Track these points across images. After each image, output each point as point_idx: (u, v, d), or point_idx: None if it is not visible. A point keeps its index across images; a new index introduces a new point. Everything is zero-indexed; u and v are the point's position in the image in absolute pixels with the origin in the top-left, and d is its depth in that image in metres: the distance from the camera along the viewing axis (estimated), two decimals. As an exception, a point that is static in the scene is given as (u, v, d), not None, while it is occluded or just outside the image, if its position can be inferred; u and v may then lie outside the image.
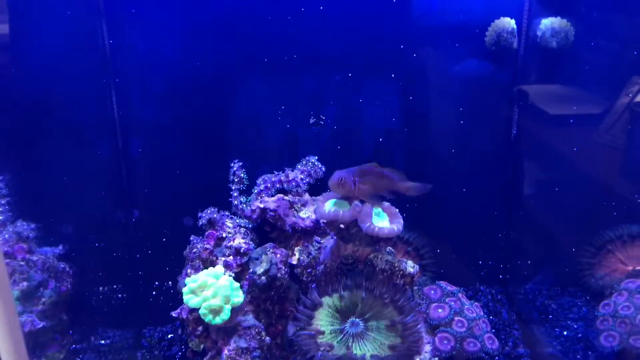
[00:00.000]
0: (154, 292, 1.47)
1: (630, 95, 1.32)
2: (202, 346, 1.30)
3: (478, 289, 1.52)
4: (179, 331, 1.43)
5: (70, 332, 1.33)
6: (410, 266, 1.23)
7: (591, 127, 1.35)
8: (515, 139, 1.45)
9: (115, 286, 1.43)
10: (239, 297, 1.14)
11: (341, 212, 1.16)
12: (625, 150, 1.36)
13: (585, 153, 1.38)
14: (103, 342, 1.39)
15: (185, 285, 1.16)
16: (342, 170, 1.17)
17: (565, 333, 1.32)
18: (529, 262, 1.48)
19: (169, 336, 1.43)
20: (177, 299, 1.40)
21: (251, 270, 1.22)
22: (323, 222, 1.35)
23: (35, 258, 1.26)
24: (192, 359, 1.33)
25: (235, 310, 1.17)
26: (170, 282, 1.47)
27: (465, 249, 1.51)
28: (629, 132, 1.33)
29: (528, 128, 1.43)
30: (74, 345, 1.34)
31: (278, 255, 1.25)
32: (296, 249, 1.34)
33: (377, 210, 1.19)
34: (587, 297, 1.42)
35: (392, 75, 1.36)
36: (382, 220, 1.18)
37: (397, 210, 1.21)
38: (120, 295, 1.43)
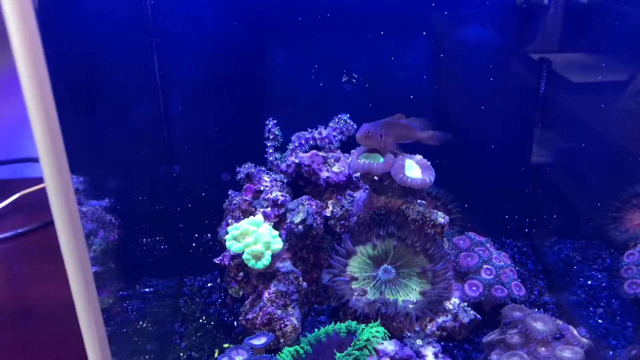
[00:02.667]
0: (193, 244, 1.55)
1: None
2: (241, 292, 1.37)
3: (504, 243, 1.57)
4: (218, 280, 1.51)
5: (118, 279, 1.41)
6: (441, 217, 1.29)
7: (615, 94, 1.37)
8: (543, 98, 1.48)
9: (157, 238, 1.50)
10: (278, 244, 1.21)
11: (375, 164, 1.22)
12: None
13: (609, 119, 1.40)
14: (147, 289, 1.47)
15: (227, 233, 1.23)
16: (369, 123, 1.22)
17: (589, 282, 1.37)
18: (555, 216, 1.52)
19: (209, 285, 1.51)
20: (216, 251, 1.48)
21: (288, 220, 1.29)
22: (356, 177, 1.41)
23: (84, 209, 1.34)
24: (232, 305, 1.41)
25: (274, 257, 1.24)
26: (209, 235, 1.54)
27: (492, 204, 1.56)
28: None
29: (553, 94, 1.46)
30: (121, 292, 1.42)
31: (313, 207, 1.31)
32: (329, 202, 1.40)
33: (410, 162, 1.25)
34: (611, 250, 1.46)
35: (424, 33, 1.40)
36: (415, 172, 1.23)
37: (429, 163, 1.26)
38: (162, 247, 1.51)
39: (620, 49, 1.37)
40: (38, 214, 2.09)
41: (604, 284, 1.37)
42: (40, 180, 2.24)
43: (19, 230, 1.86)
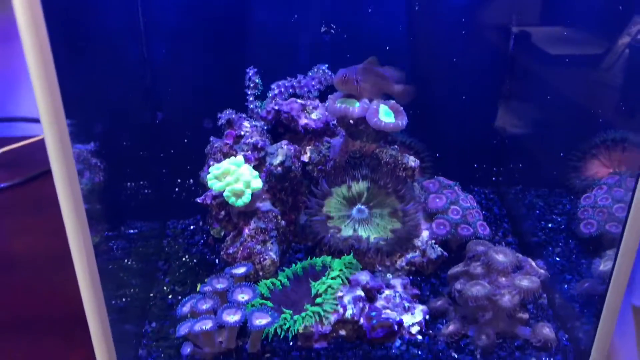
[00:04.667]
0: (176, 189, 1.61)
1: (631, 35, 1.41)
2: (222, 233, 1.44)
3: (472, 190, 1.65)
4: (200, 223, 1.58)
5: (104, 220, 1.47)
6: (412, 160, 1.36)
7: (591, 67, 1.44)
8: (513, 58, 1.55)
9: (141, 182, 1.55)
10: (258, 183, 1.28)
11: (351, 108, 1.29)
12: (621, 89, 1.46)
13: (582, 89, 1.47)
14: (132, 231, 1.53)
15: (209, 173, 1.29)
16: (345, 68, 1.29)
17: (550, 225, 1.46)
18: (520, 165, 1.61)
19: (191, 227, 1.58)
20: (198, 195, 1.54)
21: (268, 162, 1.36)
22: (333, 124, 1.47)
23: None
24: (213, 245, 1.48)
25: (254, 197, 1.31)
26: (191, 180, 1.60)
27: (461, 154, 1.64)
28: (627, 70, 1.42)
29: (528, 65, 1.52)
30: (106, 232, 1.48)
31: (292, 150, 1.38)
32: (307, 148, 1.47)
33: (384, 107, 1.31)
34: (571, 197, 1.56)
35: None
36: (389, 117, 1.30)
37: (402, 108, 1.33)
38: (146, 191, 1.56)
39: (598, 24, 1.44)
40: (20, 170, 2.15)
41: (563, 226, 1.47)
42: (20, 139, 2.30)
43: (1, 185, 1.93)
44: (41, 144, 2.43)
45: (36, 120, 2.35)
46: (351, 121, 1.30)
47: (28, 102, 2.26)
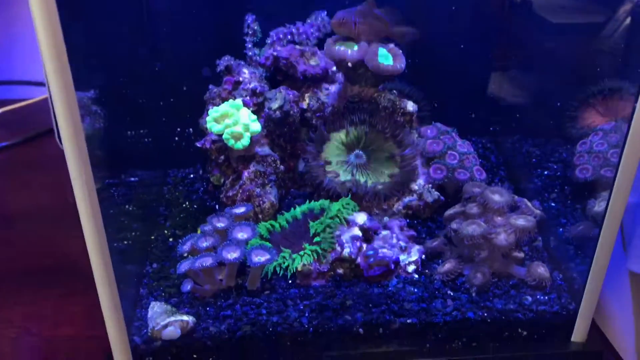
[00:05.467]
0: (176, 138, 1.62)
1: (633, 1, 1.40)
2: (222, 180, 1.46)
3: (470, 139, 1.66)
4: (200, 172, 1.59)
5: (104, 168, 1.48)
6: (411, 105, 1.37)
7: (593, 35, 1.44)
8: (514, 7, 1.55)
9: (142, 131, 1.56)
10: (257, 126, 1.29)
11: (349, 51, 1.29)
12: (622, 55, 1.46)
13: (583, 56, 1.47)
14: (133, 179, 1.54)
15: (208, 115, 1.30)
16: (343, 10, 1.29)
17: (545, 172, 1.48)
18: (518, 115, 1.62)
19: (191, 176, 1.59)
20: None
21: (266, 107, 1.36)
22: (332, 71, 1.47)
23: (72, 96, 1.39)
24: (213, 192, 1.50)
25: (253, 142, 1.32)
26: (191, 129, 1.60)
27: (459, 103, 1.65)
28: (629, 37, 1.42)
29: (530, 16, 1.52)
30: (107, 180, 1.49)
31: (290, 96, 1.39)
32: (306, 95, 1.47)
33: (383, 50, 1.31)
34: (568, 146, 1.57)
35: None
36: (387, 60, 1.30)
37: (401, 51, 1.33)
38: (146, 140, 1.57)
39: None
40: (19, 130, 2.18)
41: (559, 173, 1.48)
42: (17, 101, 2.33)
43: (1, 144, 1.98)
44: (41, 105, 2.46)
45: (35, 83, 2.38)
46: (349, 64, 1.31)
47: (27, 66, 2.28)
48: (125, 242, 1.29)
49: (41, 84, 2.18)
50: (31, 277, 1.50)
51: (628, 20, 1.35)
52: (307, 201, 1.35)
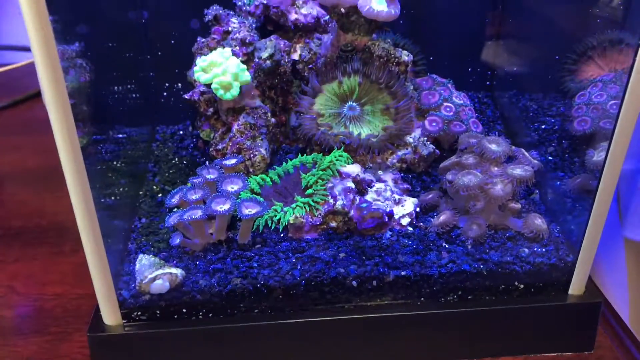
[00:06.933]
0: (165, 94, 1.57)
1: None
2: (212, 134, 1.42)
3: (466, 95, 1.63)
4: (190, 128, 1.55)
5: (91, 123, 1.44)
6: (405, 54, 1.33)
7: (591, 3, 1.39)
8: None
9: (129, 86, 1.52)
10: (246, 76, 1.25)
11: (342, -4, 1.24)
12: (621, 23, 1.41)
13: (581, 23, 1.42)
14: (120, 135, 1.50)
15: (196, 65, 1.26)
16: None
17: (543, 126, 1.45)
18: (515, 69, 1.58)
19: (181, 132, 1.55)
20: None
21: (256, 56, 1.32)
22: (324, 20, 1.43)
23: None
24: (203, 148, 1.46)
25: (243, 94, 1.28)
26: (179, 84, 1.56)
27: (456, 57, 1.61)
28: (627, 5, 1.37)
29: None
30: (95, 136, 1.45)
31: (282, 45, 1.34)
32: (298, 46, 1.42)
33: (376, -4, 1.27)
34: (566, 100, 1.53)
35: None
36: (381, 5, 1.26)
37: (395, -1, 1.29)
38: (134, 95, 1.53)
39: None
40: (7, 93, 2.16)
41: (557, 127, 1.45)
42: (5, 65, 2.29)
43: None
44: (28, 69, 2.40)
45: (22, 49, 2.33)
46: (342, 10, 1.26)
47: (17, 30, 2.24)
48: (113, 198, 1.25)
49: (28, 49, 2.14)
50: (19, 237, 1.48)
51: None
52: (300, 155, 1.32)
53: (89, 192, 0.96)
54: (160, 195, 1.33)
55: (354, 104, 1.34)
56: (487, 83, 1.64)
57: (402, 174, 1.31)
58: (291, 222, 1.15)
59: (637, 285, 1.21)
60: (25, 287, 1.32)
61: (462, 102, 1.37)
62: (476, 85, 1.64)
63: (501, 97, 1.60)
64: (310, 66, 1.39)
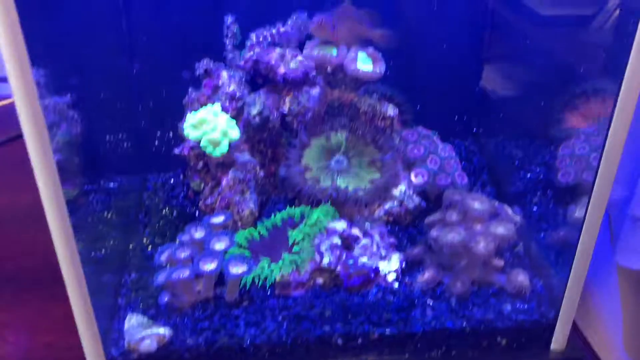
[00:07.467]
0: (156, 142, 1.59)
1: None
2: (202, 186, 1.44)
3: (453, 142, 1.64)
4: (181, 177, 1.57)
5: (82, 174, 1.46)
6: (391, 109, 1.36)
7: (581, 27, 1.42)
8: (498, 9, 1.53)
9: (120, 135, 1.54)
10: (235, 132, 1.27)
11: (328, 55, 1.27)
12: (610, 49, 1.44)
13: (572, 50, 1.45)
14: (111, 184, 1.52)
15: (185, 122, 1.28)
16: (321, 14, 1.26)
17: (528, 175, 1.47)
18: (501, 115, 1.61)
19: (172, 181, 1.57)
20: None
21: (246, 112, 1.34)
22: (312, 74, 1.45)
23: (46, 102, 1.36)
24: (194, 198, 1.48)
25: (232, 148, 1.30)
26: (171, 133, 1.58)
27: (442, 106, 1.63)
28: (616, 31, 1.40)
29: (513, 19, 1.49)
30: (85, 186, 1.47)
31: (270, 100, 1.37)
32: (287, 99, 1.45)
33: (362, 55, 1.30)
34: (551, 148, 1.56)
35: None
36: (367, 65, 1.29)
37: (381, 55, 1.31)
38: (125, 144, 1.55)
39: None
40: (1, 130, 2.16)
41: (542, 176, 1.47)
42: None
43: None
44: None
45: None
46: (329, 69, 1.29)
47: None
48: (102, 252, 1.27)
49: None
50: (13, 281, 1.47)
51: (615, 15, 1.33)
52: (288, 207, 1.34)
53: (76, 250, 0.98)
54: (150, 247, 1.34)
55: (341, 157, 1.36)
56: (474, 130, 1.67)
57: (389, 227, 1.33)
58: (278, 279, 1.16)
59: (629, 310, 1.22)
60: (17, 335, 1.32)
61: (447, 154, 1.39)
62: (463, 133, 1.66)
63: (487, 144, 1.63)
64: (299, 118, 1.42)
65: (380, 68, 1.28)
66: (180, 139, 1.47)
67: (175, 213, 1.44)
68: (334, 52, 1.28)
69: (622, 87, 0.94)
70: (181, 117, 1.48)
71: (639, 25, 0.88)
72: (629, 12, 1.14)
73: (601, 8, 1.33)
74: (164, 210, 1.46)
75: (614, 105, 0.98)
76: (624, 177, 1.06)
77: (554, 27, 1.45)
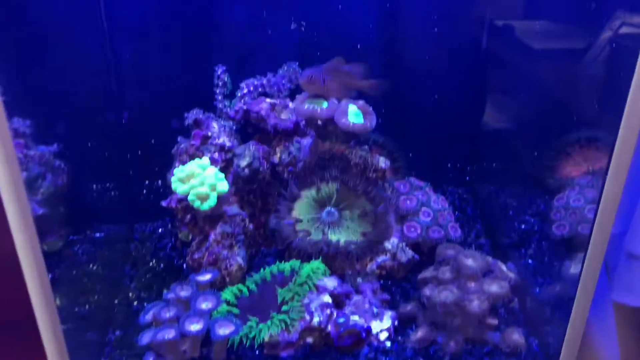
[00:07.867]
0: (144, 191, 1.57)
1: (613, 29, 1.39)
2: (190, 237, 1.41)
3: (446, 190, 1.63)
4: (169, 226, 1.55)
5: (67, 224, 1.43)
6: (382, 161, 1.34)
7: (574, 60, 1.42)
8: (487, 53, 1.53)
9: (107, 184, 1.51)
10: (224, 186, 1.25)
11: (319, 109, 1.26)
12: (602, 82, 1.44)
13: (560, 87, 1.45)
14: (98, 234, 1.49)
15: (173, 175, 1.26)
16: (311, 68, 1.25)
17: (522, 226, 1.45)
18: (494, 164, 1.59)
19: (159, 230, 1.54)
20: (166, 197, 1.51)
21: (235, 164, 1.32)
22: (303, 125, 1.44)
23: (32, 153, 1.34)
24: (181, 249, 1.45)
25: (220, 201, 1.27)
26: (159, 182, 1.56)
27: (435, 153, 1.62)
28: (609, 64, 1.40)
29: (508, 57, 1.50)
30: (71, 237, 1.44)
31: (260, 151, 1.35)
32: (277, 149, 1.43)
33: (353, 108, 1.28)
34: (545, 197, 1.54)
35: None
36: (357, 118, 1.27)
37: (371, 108, 1.30)
38: (112, 193, 1.52)
39: (581, 17, 1.42)
40: None
41: (536, 227, 1.45)
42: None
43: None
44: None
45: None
46: (319, 122, 1.27)
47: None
48: (86, 307, 1.23)
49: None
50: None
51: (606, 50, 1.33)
52: (278, 260, 1.31)
53: (55, 310, 0.94)
54: (136, 302, 1.31)
55: (332, 209, 1.34)
56: (467, 178, 1.65)
57: (382, 282, 1.30)
58: (266, 339, 1.13)
59: (627, 346, 1.20)
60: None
61: (440, 206, 1.37)
62: (456, 180, 1.64)
63: (481, 193, 1.61)
64: (290, 169, 1.40)
65: (371, 121, 1.27)
66: (169, 188, 1.45)
67: (162, 265, 1.41)
68: (325, 104, 1.26)
69: (615, 150, 0.92)
70: (170, 166, 1.46)
71: (632, 82, 0.88)
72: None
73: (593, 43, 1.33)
74: (151, 263, 1.42)
75: (609, 161, 0.96)
76: (619, 211, 1.03)
77: (547, 73, 1.45)
